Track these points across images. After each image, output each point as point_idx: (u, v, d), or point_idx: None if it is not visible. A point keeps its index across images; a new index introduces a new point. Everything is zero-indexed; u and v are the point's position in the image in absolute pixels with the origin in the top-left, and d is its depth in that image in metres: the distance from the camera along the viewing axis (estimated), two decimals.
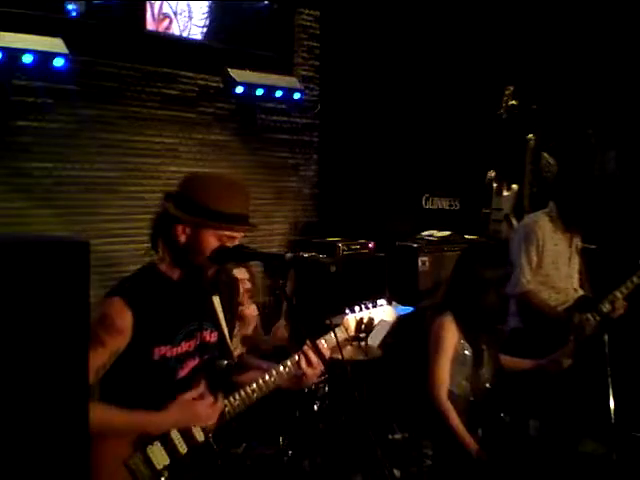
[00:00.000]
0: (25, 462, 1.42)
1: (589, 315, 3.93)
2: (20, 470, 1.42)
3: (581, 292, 4.13)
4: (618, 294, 3.97)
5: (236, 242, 2.37)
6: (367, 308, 2.69)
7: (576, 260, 4.15)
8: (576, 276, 4.15)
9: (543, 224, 4.06)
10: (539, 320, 3.98)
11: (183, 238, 2.33)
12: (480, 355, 3.41)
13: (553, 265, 4.03)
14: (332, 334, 2.51)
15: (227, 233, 2.33)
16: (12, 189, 4.26)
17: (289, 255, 2.24)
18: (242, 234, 2.39)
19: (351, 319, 2.64)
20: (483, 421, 3.35)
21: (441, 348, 3.37)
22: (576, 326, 3.85)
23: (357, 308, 2.67)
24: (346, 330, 2.62)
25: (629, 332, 4.46)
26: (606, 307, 3.95)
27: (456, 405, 3.35)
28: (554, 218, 4.08)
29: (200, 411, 2.32)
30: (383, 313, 2.72)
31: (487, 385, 3.41)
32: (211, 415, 2.34)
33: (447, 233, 5.84)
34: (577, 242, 4.19)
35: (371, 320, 2.66)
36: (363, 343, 2.88)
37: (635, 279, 3.98)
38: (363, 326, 2.64)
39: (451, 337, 3.39)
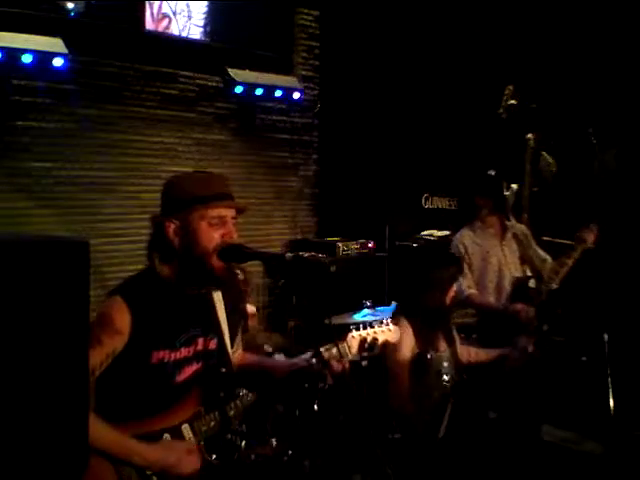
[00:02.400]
0: (24, 461, 1.42)
1: (534, 294, 4.14)
2: (19, 468, 1.42)
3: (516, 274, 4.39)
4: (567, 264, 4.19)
5: (234, 235, 2.35)
6: (372, 327, 2.63)
7: (513, 247, 4.45)
8: (516, 262, 4.43)
9: (462, 234, 4.50)
10: (488, 317, 4.32)
11: (177, 239, 2.31)
12: (427, 356, 3.42)
13: (483, 262, 4.40)
14: (335, 349, 2.47)
15: (214, 214, 2.30)
16: (12, 189, 4.26)
17: (289, 255, 2.23)
18: (232, 214, 2.35)
19: (355, 337, 2.59)
20: (450, 420, 3.35)
21: (398, 351, 3.38)
22: (513, 313, 4.07)
23: (362, 326, 2.61)
24: (349, 349, 2.56)
25: (629, 332, 4.47)
26: (556, 282, 4.19)
27: (421, 405, 3.36)
28: (471, 224, 4.49)
29: (184, 462, 2.26)
30: (388, 333, 2.66)
31: (447, 384, 3.42)
32: (191, 468, 2.28)
33: (447, 233, 5.84)
34: (515, 232, 4.49)
35: (375, 340, 2.61)
36: (365, 362, 2.84)
37: (566, 258, 4.20)
38: (366, 345, 2.59)
39: (406, 339, 3.40)
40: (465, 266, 4.30)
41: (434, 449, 3.27)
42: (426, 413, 3.34)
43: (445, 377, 3.44)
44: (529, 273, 4.43)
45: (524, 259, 4.51)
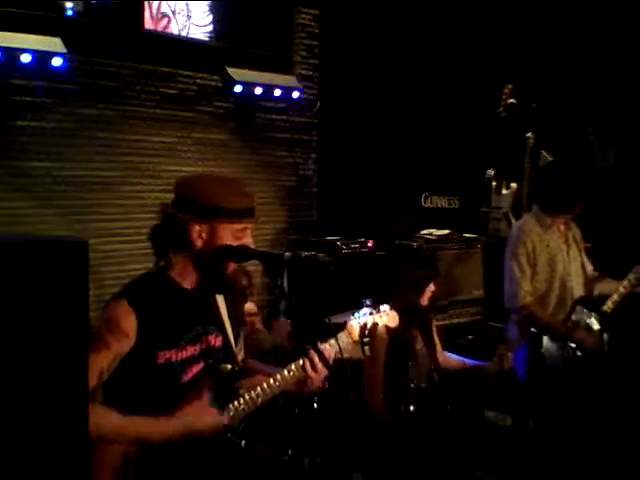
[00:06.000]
0: (24, 462, 1.42)
1: (592, 321, 3.88)
2: (19, 471, 1.42)
3: (581, 291, 4.02)
4: (619, 291, 3.92)
5: (253, 245, 2.40)
6: (371, 314, 2.70)
7: (577, 254, 4.03)
8: (578, 271, 4.02)
9: (529, 228, 3.94)
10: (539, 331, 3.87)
11: (200, 242, 2.34)
12: (408, 354, 3.43)
13: (549, 267, 3.92)
14: (335, 340, 2.51)
15: (240, 227, 2.37)
16: (11, 189, 4.25)
17: (288, 254, 2.25)
18: (253, 225, 2.43)
19: (355, 324, 2.66)
20: (415, 419, 3.36)
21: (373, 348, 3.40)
22: (578, 341, 3.81)
23: (361, 313, 2.69)
24: (350, 335, 2.64)
25: (629, 331, 4.47)
26: (608, 307, 3.90)
27: (390, 403, 3.36)
28: (540, 217, 3.97)
29: (206, 422, 2.29)
30: (387, 318, 2.75)
31: (422, 384, 3.42)
32: (217, 426, 2.32)
33: (446, 232, 5.84)
34: (575, 235, 4.09)
35: (375, 325, 2.69)
36: (367, 348, 2.89)
37: (632, 276, 3.92)
38: (367, 331, 2.66)
39: (379, 337, 3.41)
40: (526, 266, 3.84)
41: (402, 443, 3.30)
42: (394, 409, 3.37)
43: (418, 377, 3.45)
44: (587, 290, 3.99)
45: (582, 266, 4.03)
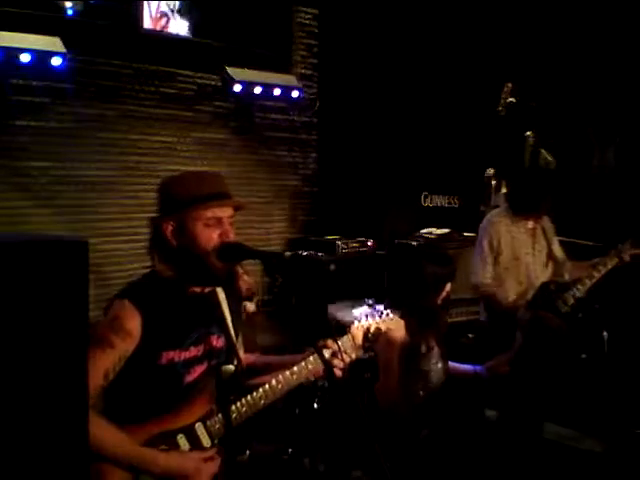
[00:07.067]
0: (22, 464, 1.42)
1: (559, 302, 3.94)
2: (18, 471, 1.42)
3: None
4: (587, 281, 4.01)
5: (230, 234, 2.35)
6: (374, 317, 2.68)
7: (543, 246, 4.21)
8: (544, 263, 4.19)
9: (497, 220, 4.18)
10: (502, 316, 4.02)
11: (174, 240, 2.32)
12: (419, 353, 3.41)
13: (514, 260, 4.11)
14: (338, 342, 2.50)
15: (209, 214, 2.30)
16: (10, 188, 4.26)
17: (288, 254, 2.23)
18: (228, 213, 2.35)
19: (359, 328, 2.64)
20: (431, 419, 3.33)
21: (390, 347, 3.38)
22: (528, 324, 3.85)
23: (364, 317, 2.67)
24: (353, 339, 2.61)
25: (629, 330, 4.47)
26: (579, 292, 3.97)
27: (408, 402, 3.34)
28: (509, 212, 4.20)
29: (202, 470, 2.25)
30: (391, 323, 2.72)
31: (435, 383, 3.41)
32: (209, 476, 2.27)
33: (446, 231, 5.84)
34: (544, 227, 4.24)
35: (378, 330, 2.66)
36: (368, 354, 2.87)
37: (601, 266, 4.03)
38: (370, 335, 2.64)
39: (393, 340, 3.39)
40: (489, 255, 4.08)
41: (420, 446, 3.27)
42: (412, 410, 3.34)
43: (433, 377, 3.43)
44: (556, 277, 4.13)
45: (549, 256, 4.24)
